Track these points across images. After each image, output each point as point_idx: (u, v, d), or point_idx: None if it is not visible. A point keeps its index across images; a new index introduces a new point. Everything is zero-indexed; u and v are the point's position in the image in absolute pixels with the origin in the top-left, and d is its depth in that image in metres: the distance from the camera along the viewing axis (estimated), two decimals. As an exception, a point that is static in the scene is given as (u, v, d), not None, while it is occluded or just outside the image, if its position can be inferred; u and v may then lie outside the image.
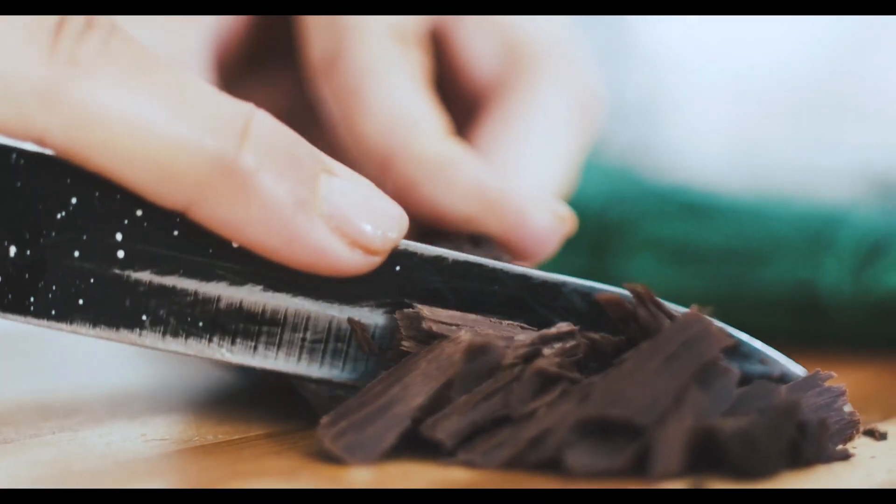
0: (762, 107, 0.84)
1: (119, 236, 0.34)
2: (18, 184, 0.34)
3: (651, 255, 0.57)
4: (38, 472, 0.33)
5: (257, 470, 0.33)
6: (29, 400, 0.41)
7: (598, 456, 0.32)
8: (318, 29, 0.44)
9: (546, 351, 0.34)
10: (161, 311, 0.35)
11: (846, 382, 0.36)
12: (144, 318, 0.35)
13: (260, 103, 0.35)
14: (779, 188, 0.64)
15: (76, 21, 0.33)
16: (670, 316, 0.35)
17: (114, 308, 0.34)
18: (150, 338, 0.35)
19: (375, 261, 0.35)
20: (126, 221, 0.34)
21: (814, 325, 0.53)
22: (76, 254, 0.34)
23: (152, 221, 0.34)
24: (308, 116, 0.48)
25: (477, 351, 0.33)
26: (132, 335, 0.35)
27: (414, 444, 0.33)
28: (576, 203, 0.54)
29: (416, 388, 0.33)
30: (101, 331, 0.35)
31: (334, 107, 0.43)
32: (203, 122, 0.33)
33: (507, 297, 0.36)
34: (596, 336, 0.35)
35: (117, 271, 0.34)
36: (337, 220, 0.34)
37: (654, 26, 0.84)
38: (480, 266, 0.36)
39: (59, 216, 0.34)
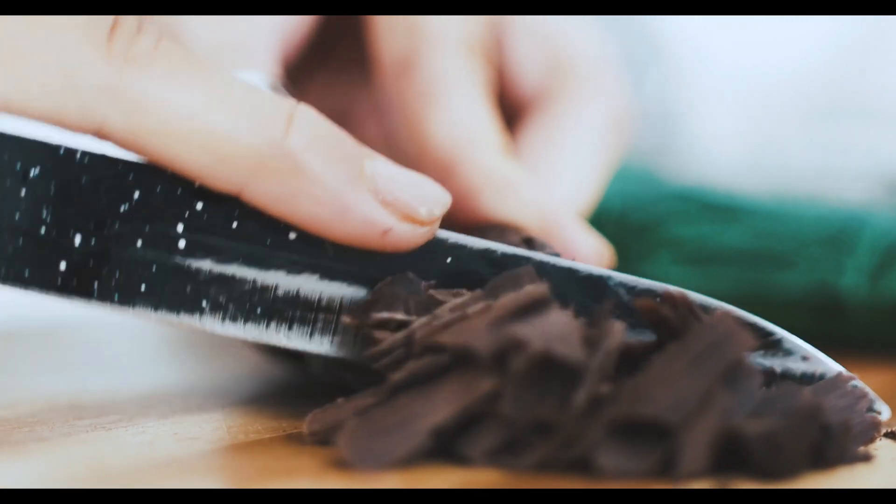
0: (781, 109, 0.84)
1: (180, 227, 0.35)
2: (83, 179, 0.35)
3: (671, 256, 0.57)
4: (72, 471, 0.33)
5: (289, 468, 0.33)
6: (62, 399, 0.41)
7: (628, 456, 0.32)
8: (391, 32, 0.45)
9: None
10: (220, 298, 0.36)
11: (866, 384, 0.37)
12: (204, 304, 0.36)
13: (315, 103, 0.36)
14: (798, 190, 0.64)
15: (129, 23, 0.35)
16: (700, 320, 0.35)
17: (175, 294, 0.36)
18: (210, 322, 0.36)
19: (424, 232, 0.36)
20: (187, 214, 0.35)
21: (833, 326, 0.54)
22: (139, 243, 0.35)
23: (212, 213, 0.35)
24: (363, 118, 0.48)
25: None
26: (192, 320, 0.36)
27: (444, 446, 0.33)
28: (596, 205, 0.55)
29: (439, 406, 0.33)
30: (163, 315, 0.36)
31: (401, 109, 0.44)
32: (251, 111, 0.35)
33: (553, 290, 0.37)
34: (631, 341, 0.35)
35: (178, 260, 0.35)
36: (384, 194, 0.35)
37: (673, 30, 0.85)
38: (528, 259, 0.37)
39: (122, 209, 0.35)
